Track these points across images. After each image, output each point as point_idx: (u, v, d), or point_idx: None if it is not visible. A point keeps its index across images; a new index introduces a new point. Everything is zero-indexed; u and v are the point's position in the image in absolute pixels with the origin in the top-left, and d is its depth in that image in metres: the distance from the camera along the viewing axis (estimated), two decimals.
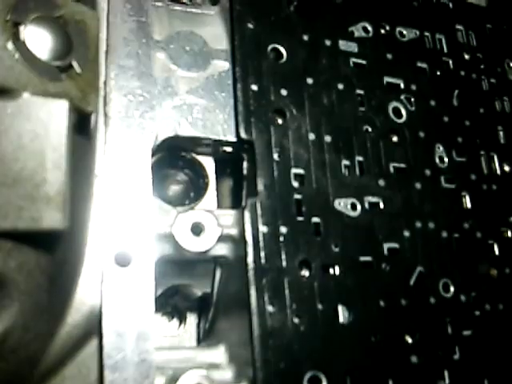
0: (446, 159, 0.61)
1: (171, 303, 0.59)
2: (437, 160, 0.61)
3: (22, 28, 0.40)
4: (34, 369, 0.42)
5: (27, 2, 0.41)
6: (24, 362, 0.42)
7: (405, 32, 0.64)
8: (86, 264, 0.44)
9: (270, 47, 0.56)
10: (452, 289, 0.57)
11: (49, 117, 0.39)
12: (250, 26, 0.55)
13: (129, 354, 0.44)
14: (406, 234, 0.56)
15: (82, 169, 0.44)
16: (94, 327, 0.44)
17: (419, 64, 0.64)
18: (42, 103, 0.39)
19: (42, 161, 0.39)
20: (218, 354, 0.52)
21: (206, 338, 0.57)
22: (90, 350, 0.44)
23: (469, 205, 0.61)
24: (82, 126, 0.43)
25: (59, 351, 0.43)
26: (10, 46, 0.39)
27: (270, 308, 0.48)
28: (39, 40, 0.41)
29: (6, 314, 0.40)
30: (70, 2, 0.45)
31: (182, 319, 0.60)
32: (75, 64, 0.42)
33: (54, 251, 0.41)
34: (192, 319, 0.60)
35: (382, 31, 0.62)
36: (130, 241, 0.46)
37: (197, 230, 0.49)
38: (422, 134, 0.61)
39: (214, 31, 0.56)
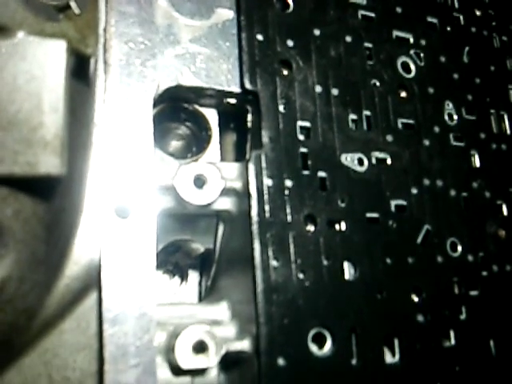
0: (455, 116, 0.60)
1: (172, 260, 0.58)
2: (446, 117, 0.59)
3: None
4: (32, 321, 0.42)
5: None
6: (21, 313, 0.41)
7: None
8: (84, 214, 0.43)
9: None
10: (459, 248, 0.56)
11: (45, 57, 0.38)
12: None
13: (128, 308, 0.43)
14: (414, 191, 0.55)
15: (81, 116, 0.42)
16: (93, 280, 0.43)
17: (429, 19, 0.62)
18: (38, 43, 0.38)
19: (39, 103, 0.37)
20: (221, 310, 0.51)
21: (208, 295, 0.56)
22: (89, 304, 0.43)
23: (478, 164, 0.60)
24: (80, 71, 0.42)
25: (57, 304, 0.42)
26: None
27: (274, 263, 0.47)
28: None
29: (1, 263, 0.38)
30: None
31: (184, 277, 0.59)
32: (73, 4, 0.41)
33: (52, 199, 0.40)
34: (194, 277, 0.59)
35: None
36: (130, 192, 0.45)
37: (199, 182, 0.48)
38: (431, 90, 0.59)
39: None
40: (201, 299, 0.58)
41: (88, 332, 0.43)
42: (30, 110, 0.37)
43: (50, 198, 0.40)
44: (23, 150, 0.37)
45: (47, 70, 0.38)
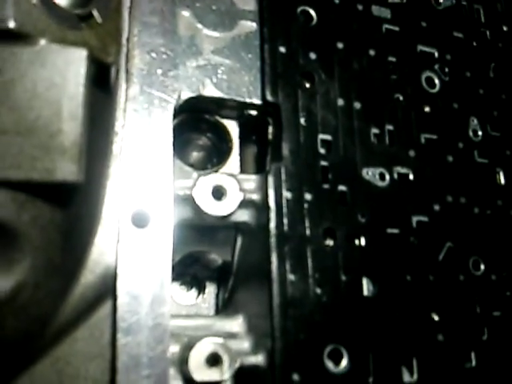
0: (480, 132, 0.59)
1: (190, 272, 0.58)
2: (470, 133, 0.59)
3: None
4: (46, 329, 0.42)
5: None
6: (35, 320, 0.41)
7: (441, 0, 0.62)
8: (101, 223, 0.43)
9: (299, 9, 0.54)
10: (482, 267, 0.55)
11: (66, 65, 0.38)
12: None
13: (143, 318, 0.43)
14: (436, 207, 0.54)
15: (101, 124, 0.43)
16: (108, 289, 0.43)
17: (455, 33, 0.62)
18: (59, 51, 0.38)
19: (58, 110, 0.38)
20: (236, 323, 0.50)
21: (224, 308, 0.56)
22: (104, 312, 0.44)
23: (503, 181, 0.59)
24: (101, 79, 0.42)
25: (72, 312, 0.43)
26: None
27: (291, 276, 0.47)
28: None
29: (17, 268, 0.39)
30: None
31: (201, 289, 0.59)
32: (96, 13, 0.41)
33: (69, 206, 0.41)
34: (211, 289, 0.59)
35: None
36: (148, 202, 0.45)
37: (218, 193, 0.48)
38: (455, 106, 0.59)
39: None
40: (217, 311, 0.58)
41: (101, 341, 0.43)
42: (49, 117, 0.37)
43: (68, 205, 0.40)
44: (41, 157, 0.37)
45: (67, 77, 0.38)
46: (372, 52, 0.56)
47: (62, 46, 0.38)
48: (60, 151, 0.37)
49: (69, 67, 0.38)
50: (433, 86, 0.58)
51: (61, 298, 0.42)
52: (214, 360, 0.45)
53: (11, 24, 0.37)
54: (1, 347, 0.40)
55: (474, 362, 0.52)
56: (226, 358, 0.45)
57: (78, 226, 0.42)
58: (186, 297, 0.59)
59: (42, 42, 0.38)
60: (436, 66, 0.59)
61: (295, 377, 0.45)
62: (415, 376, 0.49)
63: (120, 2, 0.46)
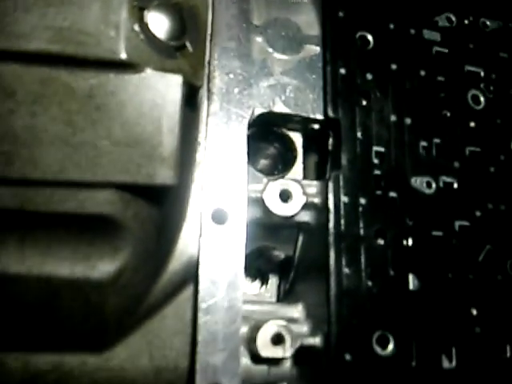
0: None
1: (255, 265, 0.64)
2: None
3: (145, 12, 0.46)
4: (139, 306, 0.48)
5: None
6: (132, 298, 0.48)
7: (488, 23, 0.66)
8: (187, 220, 0.50)
9: (358, 34, 0.59)
10: None
11: (166, 89, 0.45)
12: (341, 14, 0.59)
13: (220, 301, 0.50)
14: (478, 213, 0.59)
15: (188, 136, 0.50)
16: (191, 275, 0.50)
17: (501, 54, 0.66)
18: (160, 77, 0.45)
19: (159, 126, 0.45)
20: (297, 310, 0.56)
21: (285, 297, 0.62)
22: (187, 295, 0.50)
23: None
24: (191, 99, 0.49)
25: (161, 293, 0.49)
26: (136, 27, 0.45)
27: (346, 270, 0.52)
28: (159, 23, 0.46)
29: (121, 254, 0.46)
30: None
31: (264, 281, 0.65)
32: (188, 44, 0.48)
33: (163, 206, 0.48)
34: (273, 281, 0.65)
35: (466, 21, 0.65)
36: (226, 202, 0.52)
37: (284, 196, 0.54)
38: (498, 121, 0.63)
39: (307, 18, 0.60)
40: (279, 301, 0.64)
41: (184, 319, 0.50)
42: (152, 132, 0.44)
43: (162, 204, 0.47)
44: (145, 164, 0.44)
45: (167, 99, 0.45)
46: (423, 72, 0.61)
47: (162, 73, 0.46)
48: (160, 160, 0.44)
49: (168, 90, 0.45)
50: (478, 103, 0.62)
51: (152, 280, 0.49)
52: (278, 339, 0.51)
53: (123, 56, 0.44)
54: (104, 319, 0.48)
55: (508, 354, 0.56)
56: (288, 338, 0.51)
57: (168, 221, 0.49)
58: (251, 287, 0.66)
59: (147, 70, 0.45)
60: (482, 85, 0.63)
61: (347, 357, 0.51)
62: (454, 363, 0.54)
63: (206, 32, 0.53)
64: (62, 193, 0.44)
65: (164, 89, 0.45)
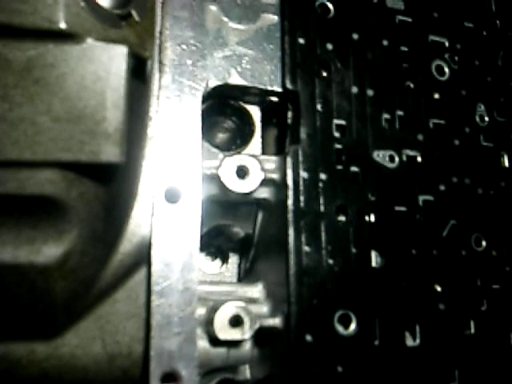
0: (486, 118, 0.62)
1: (215, 244, 0.63)
2: (477, 119, 0.62)
3: None
4: (89, 290, 0.47)
5: None
6: (81, 282, 0.46)
7: None
8: (138, 199, 0.48)
9: (317, 3, 0.57)
10: (484, 243, 0.59)
11: (110, 60, 0.43)
12: None
13: (174, 283, 0.48)
14: (442, 187, 0.58)
15: (138, 110, 0.47)
16: (143, 257, 0.48)
17: (466, 23, 0.64)
18: (103, 48, 0.43)
19: (103, 100, 0.42)
20: (256, 290, 0.55)
21: (246, 276, 0.61)
22: (139, 278, 0.49)
23: (507, 164, 0.62)
24: (138, 71, 0.46)
25: (112, 276, 0.48)
26: None
27: (306, 248, 0.51)
28: None
29: (66, 237, 0.44)
30: None
31: (225, 259, 0.64)
32: (134, 13, 0.45)
33: (111, 184, 0.45)
34: (234, 259, 0.64)
35: None
36: (179, 180, 0.50)
37: (241, 173, 0.52)
38: (463, 93, 0.62)
39: None
40: (240, 280, 0.63)
41: (137, 302, 0.48)
42: (95, 107, 0.42)
43: (110, 183, 0.45)
44: (88, 141, 0.42)
45: (111, 71, 0.42)
46: (385, 42, 0.59)
47: (105, 43, 0.43)
48: (105, 136, 0.42)
49: (112, 62, 0.43)
50: (442, 73, 0.61)
51: (102, 263, 0.47)
52: (236, 321, 0.50)
53: (62, 25, 0.41)
54: (52, 305, 0.45)
55: (472, 330, 0.56)
56: (246, 320, 0.50)
57: (117, 201, 0.47)
58: (211, 266, 0.64)
59: (89, 40, 0.42)
60: (446, 55, 0.62)
61: (308, 338, 0.50)
62: (418, 341, 0.53)
63: (154, 1, 0.50)
64: (0, 173, 0.41)
65: (107, 60, 0.43)
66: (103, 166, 0.43)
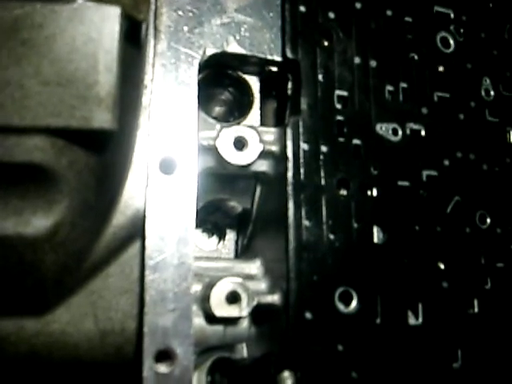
0: (492, 92, 0.61)
1: (212, 220, 0.61)
2: (483, 93, 0.60)
3: None
4: (81, 264, 0.45)
5: None
6: (71, 255, 0.44)
7: None
8: (132, 169, 0.47)
9: None
10: (488, 220, 0.57)
11: (102, 21, 0.41)
12: None
13: (169, 257, 0.47)
14: (446, 162, 0.56)
15: (132, 77, 0.46)
16: (137, 230, 0.47)
17: None
18: (95, 8, 0.41)
19: (95, 63, 0.41)
20: (254, 266, 0.54)
21: (243, 253, 0.59)
22: (133, 251, 0.47)
23: None
24: (132, 35, 0.45)
25: (104, 250, 0.46)
26: None
27: (306, 222, 0.49)
28: None
29: (56, 208, 0.42)
30: None
31: (222, 236, 0.62)
32: None
33: (103, 153, 0.44)
34: (231, 236, 0.62)
35: None
36: (174, 150, 0.48)
37: (239, 144, 0.50)
38: (469, 66, 0.60)
39: None
40: (237, 257, 0.61)
41: (131, 277, 0.46)
42: (87, 69, 0.40)
43: (102, 151, 0.44)
44: (79, 106, 0.40)
45: (103, 33, 0.41)
46: (389, 12, 0.57)
47: (97, 3, 0.41)
48: (96, 101, 0.40)
49: (104, 23, 0.41)
50: (447, 46, 0.59)
51: (94, 236, 0.45)
52: (233, 298, 0.49)
53: None
54: (42, 279, 0.44)
55: (476, 309, 0.55)
56: (244, 297, 0.49)
57: (110, 171, 0.46)
58: (208, 243, 0.63)
59: (80, 0, 0.41)
60: (451, 27, 0.60)
61: (307, 315, 0.48)
62: (420, 319, 0.52)
63: None
64: None
65: (100, 21, 0.41)
66: (95, 132, 0.41)
